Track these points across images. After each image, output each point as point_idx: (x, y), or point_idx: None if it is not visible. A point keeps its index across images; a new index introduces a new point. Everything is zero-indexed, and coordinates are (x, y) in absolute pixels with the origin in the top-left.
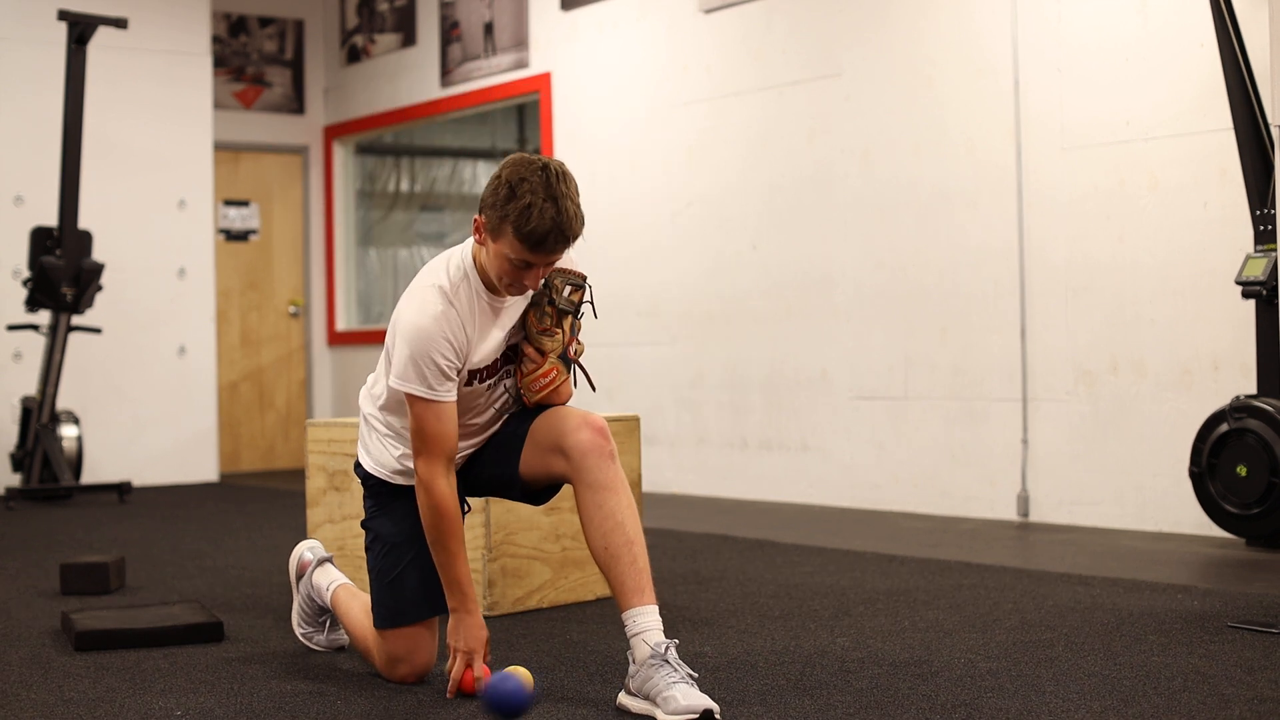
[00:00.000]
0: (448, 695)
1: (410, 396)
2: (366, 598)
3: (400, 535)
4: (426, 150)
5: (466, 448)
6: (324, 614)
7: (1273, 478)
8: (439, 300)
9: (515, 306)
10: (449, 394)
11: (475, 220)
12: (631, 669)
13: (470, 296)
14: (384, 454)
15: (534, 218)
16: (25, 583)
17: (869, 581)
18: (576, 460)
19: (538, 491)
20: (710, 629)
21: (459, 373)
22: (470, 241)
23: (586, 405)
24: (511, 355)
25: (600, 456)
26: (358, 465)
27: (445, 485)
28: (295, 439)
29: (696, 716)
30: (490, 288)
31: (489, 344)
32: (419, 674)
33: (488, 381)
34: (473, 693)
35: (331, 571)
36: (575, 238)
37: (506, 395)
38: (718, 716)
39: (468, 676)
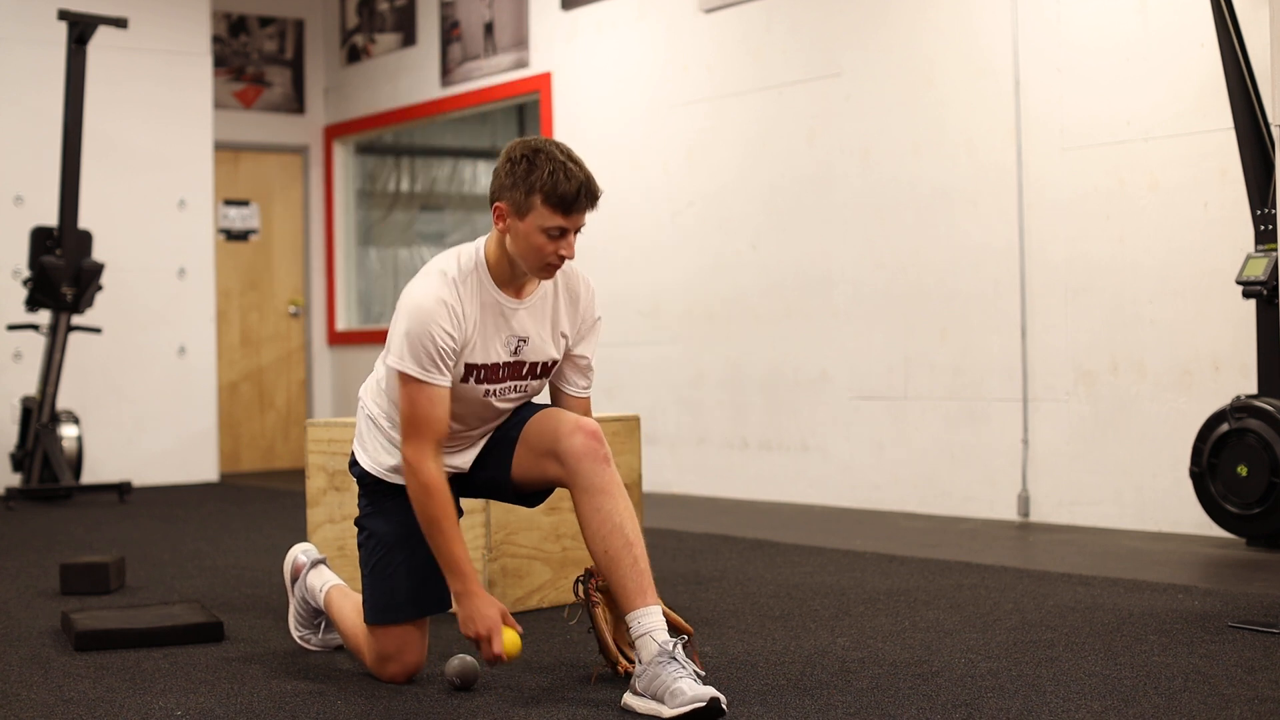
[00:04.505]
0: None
1: (403, 375)
2: (358, 597)
3: (394, 534)
4: (426, 150)
5: (456, 448)
6: (319, 616)
7: (1273, 478)
8: (444, 285)
9: (525, 314)
10: (442, 379)
11: (496, 208)
12: (638, 669)
13: (478, 289)
14: (380, 453)
15: (561, 181)
16: (25, 583)
17: (869, 581)
18: (571, 465)
19: (530, 495)
20: (710, 629)
21: (455, 360)
22: (482, 240)
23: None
24: (519, 371)
25: (595, 461)
26: (354, 463)
27: (433, 467)
28: (295, 439)
29: (704, 704)
30: (502, 284)
31: (493, 343)
32: (409, 672)
33: (486, 386)
34: (508, 661)
35: (325, 573)
36: (599, 196)
37: (509, 414)
38: (724, 706)
39: (498, 657)
